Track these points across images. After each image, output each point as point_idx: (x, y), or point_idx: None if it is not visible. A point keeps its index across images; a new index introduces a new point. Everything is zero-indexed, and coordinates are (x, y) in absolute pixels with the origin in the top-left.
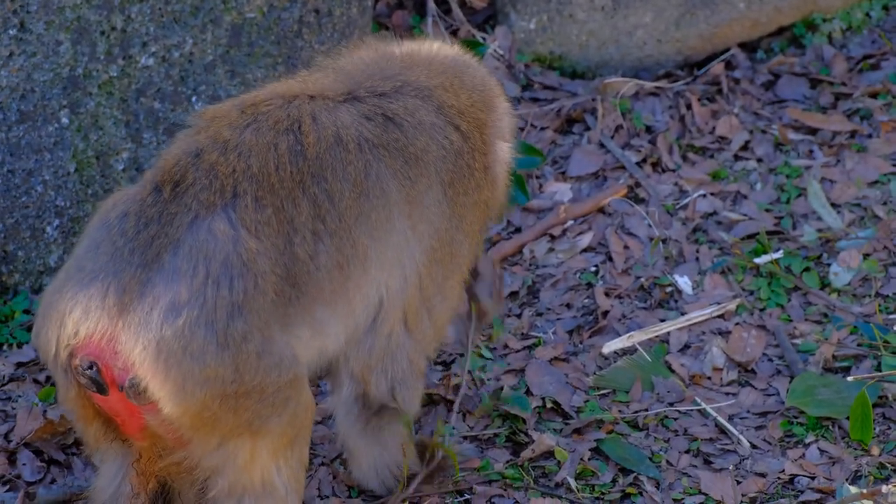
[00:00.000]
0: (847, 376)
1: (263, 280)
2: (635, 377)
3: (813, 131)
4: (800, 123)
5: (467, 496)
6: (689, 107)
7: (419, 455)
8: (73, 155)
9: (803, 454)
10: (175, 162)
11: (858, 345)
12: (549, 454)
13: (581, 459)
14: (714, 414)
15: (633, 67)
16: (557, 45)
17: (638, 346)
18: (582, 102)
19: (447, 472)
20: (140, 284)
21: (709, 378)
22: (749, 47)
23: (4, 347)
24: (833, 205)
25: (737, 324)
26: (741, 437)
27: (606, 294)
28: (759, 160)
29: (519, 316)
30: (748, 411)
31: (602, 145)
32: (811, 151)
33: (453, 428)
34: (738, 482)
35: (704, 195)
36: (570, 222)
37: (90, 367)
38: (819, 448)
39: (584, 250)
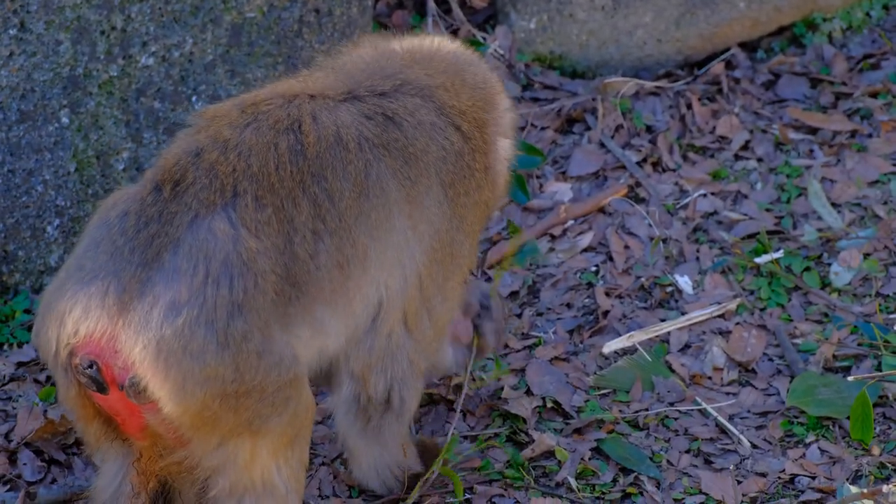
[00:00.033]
0: (847, 376)
1: (263, 279)
2: (636, 377)
3: (813, 131)
4: (800, 123)
5: (468, 496)
6: (689, 106)
7: (421, 458)
8: (74, 155)
9: (804, 454)
10: (175, 161)
11: (859, 344)
12: (549, 454)
13: (581, 459)
14: (714, 414)
15: (633, 67)
16: (558, 44)
17: (638, 345)
18: (582, 102)
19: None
20: (140, 283)
21: (709, 378)
22: (749, 47)
23: (5, 347)
24: (833, 204)
25: (737, 323)
26: (742, 436)
27: (607, 294)
28: (760, 160)
29: (519, 316)
30: (749, 411)
31: (602, 145)
32: (811, 151)
33: (459, 433)
34: (739, 482)
35: (705, 195)
36: (571, 222)
37: (90, 366)
38: (819, 448)
39: (585, 250)
